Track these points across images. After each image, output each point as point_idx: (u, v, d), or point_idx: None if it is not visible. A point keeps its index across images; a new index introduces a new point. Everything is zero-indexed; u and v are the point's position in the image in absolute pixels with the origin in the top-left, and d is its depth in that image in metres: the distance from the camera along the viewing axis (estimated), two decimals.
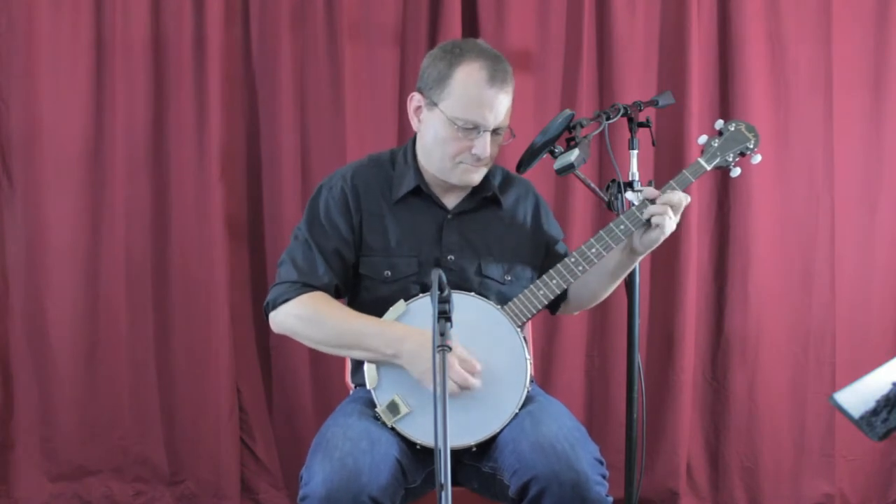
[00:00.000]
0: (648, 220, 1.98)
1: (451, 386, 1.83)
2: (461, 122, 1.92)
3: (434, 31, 3.03)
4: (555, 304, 2.17)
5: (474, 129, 1.93)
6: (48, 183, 2.94)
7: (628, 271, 2.12)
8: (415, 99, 2.01)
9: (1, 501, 2.97)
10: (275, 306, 1.97)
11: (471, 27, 3.04)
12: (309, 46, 3.01)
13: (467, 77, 1.92)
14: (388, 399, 1.89)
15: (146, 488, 3.04)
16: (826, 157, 3.10)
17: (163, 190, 3.01)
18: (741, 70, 3.06)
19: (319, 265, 1.98)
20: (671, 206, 1.95)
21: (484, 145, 1.94)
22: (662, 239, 1.98)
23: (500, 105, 1.94)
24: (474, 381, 1.85)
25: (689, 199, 2.00)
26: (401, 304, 1.93)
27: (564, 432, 1.80)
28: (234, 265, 3.03)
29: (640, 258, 2.08)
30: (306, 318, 1.95)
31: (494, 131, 1.96)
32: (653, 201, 1.98)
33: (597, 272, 2.04)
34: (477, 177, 2.01)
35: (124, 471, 3.03)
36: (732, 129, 2.10)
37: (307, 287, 1.96)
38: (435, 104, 1.95)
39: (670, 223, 1.96)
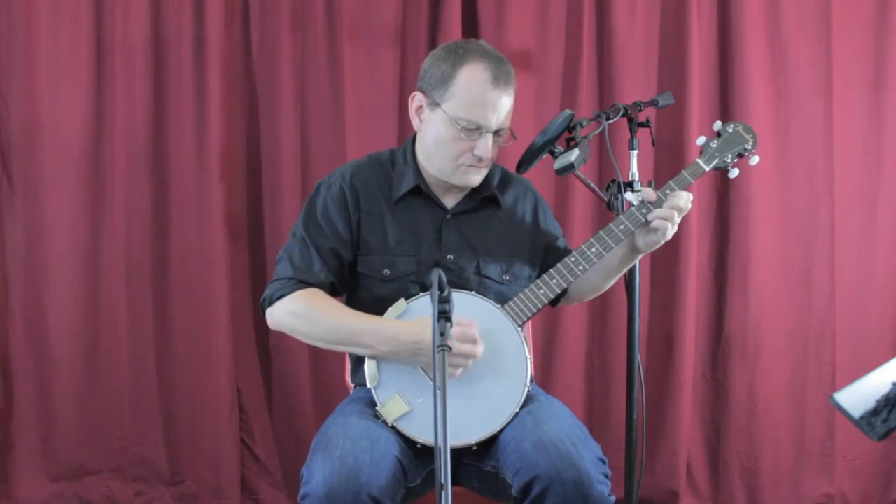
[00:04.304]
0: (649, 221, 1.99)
1: (458, 364, 1.84)
2: (464, 122, 1.93)
3: (434, 31, 3.03)
4: (555, 298, 2.17)
5: (476, 129, 1.94)
6: (48, 183, 2.94)
7: (629, 267, 2.14)
8: (416, 98, 2.01)
9: (1, 501, 2.97)
10: (271, 302, 1.98)
11: (471, 27, 3.04)
12: (309, 46, 3.01)
13: (471, 78, 1.92)
14: (388, 397, 1.89)
15: (146, 488, 3.04)
16: (826, 157, 3.10)
17: (163, 190, 3.01)
18: (741, 70, 3.06)
19: (315, 263, 1.99)
20: (677, 210, 1.97)
21: (486, 146, 1.95)
22: (664, 241, 2.00)
23: (502, 106, 1.95)
24: (478, 350, 1.86)
25: (691, 197, 2.01)
26: (401, 303, 1.93)
27: (567, 431, 1.80)
28: (234, 265, 3.03)
29: (641, 255, 2.09)
30: (301, 314, 1.95)
31: (496, 132, 1.97)
32: (653, 203, 1.99)
33: (598, 269, 2.05)
34: (477, 178, 2.02)
35: (124, 471, 3.03)
36: (731, 130, 2.11)
37: (302, 284, 1.97)
38: (437, 104, 1.95)
39: (672, 229, 1.98)
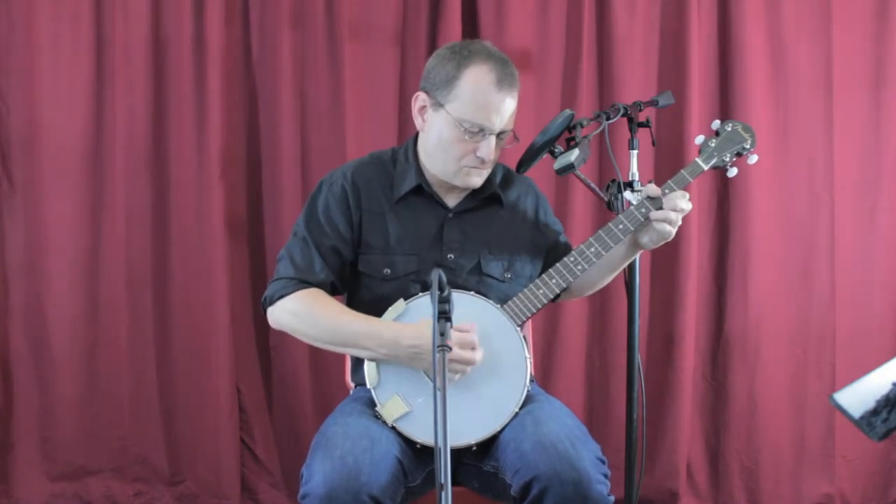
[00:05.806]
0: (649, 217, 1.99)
1: (457, 370, 1.85)
2: (468, 124, 1.93)
3: (434, 32, 3.03)
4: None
5: (480, 131, 1.94)
6: (48, 183, 2.94)
7: (629, 262, 2.16)
8: (420, 98, 2.01)
9: (1, 501, 2.97)
10: (272, 302, 1.99)
11: (471, 27, 3.04)
12: (309, 46, 3.01)
13: (476, 80, 1.92)
14: (388, 398, 1.89)
15: (146, 488, 3.04)
16: (826, 157, 3.11)
17: (163, 190, 3.01)
18: (741, 70, 3.06)
19: (316, 262, 1.99)
20: (678, 211, 1.98)
21: (489, 148, 1.95)
22: (669, 239, 2.01)
23: (506, 109, 1.95)
24: (477, 357, 1.86)
25: (688, 196, 2.02)
26: (400, 304, 1.93)
27: (566, 431, 1.80)
28: (234, 265, 3.03)
29: (642, 251, 2.11)
30: (301, 314, 1.96)
31: (498, 135, 1.97)
32: (655, 200, 1.99)
33: (597, 265, 2.05)
34: (479, 180, 2.02)
35: (124, 471, 3.03)
36: (729, 129, 2.11)
37: (303, 284, 1.97)
38: (441, 105, 1.95)
39: (673, 230, 1.99)
